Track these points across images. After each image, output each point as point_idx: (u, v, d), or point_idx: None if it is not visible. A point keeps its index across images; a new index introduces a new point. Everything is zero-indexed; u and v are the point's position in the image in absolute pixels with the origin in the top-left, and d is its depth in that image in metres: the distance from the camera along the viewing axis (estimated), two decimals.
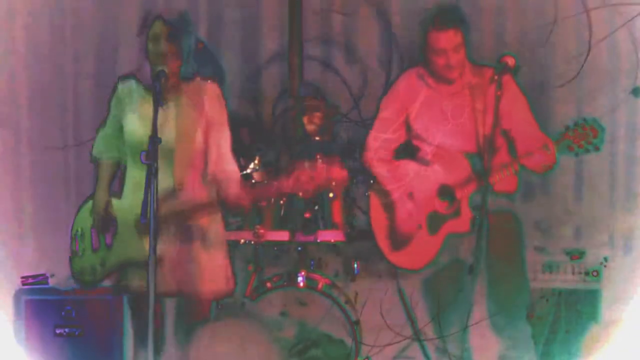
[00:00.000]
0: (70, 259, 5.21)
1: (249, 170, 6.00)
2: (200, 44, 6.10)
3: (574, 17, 6.25)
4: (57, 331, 5.98)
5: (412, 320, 5.98)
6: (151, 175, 4.56)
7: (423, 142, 5.59)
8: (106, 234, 5.08)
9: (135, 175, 5.01)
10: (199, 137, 5.00)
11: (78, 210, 5.22)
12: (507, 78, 5.35)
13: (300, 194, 4.95)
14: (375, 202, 5.75)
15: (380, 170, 5.71)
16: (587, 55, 6.17)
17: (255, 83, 6.78)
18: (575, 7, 6.26)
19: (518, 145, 5.44)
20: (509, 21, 6.48)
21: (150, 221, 4.53)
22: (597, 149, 5.24)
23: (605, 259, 6.01)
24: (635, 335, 5.75)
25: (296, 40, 6.62)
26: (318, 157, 5.77)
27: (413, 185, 5.59)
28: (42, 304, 6.01)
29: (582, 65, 6.17)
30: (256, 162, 6.04)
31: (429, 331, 5.73)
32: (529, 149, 5.30)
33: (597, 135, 5.22)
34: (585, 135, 5.22)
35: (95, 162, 5.22)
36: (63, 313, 5.99)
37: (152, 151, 4.58)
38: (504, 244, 5.43)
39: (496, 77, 5.29)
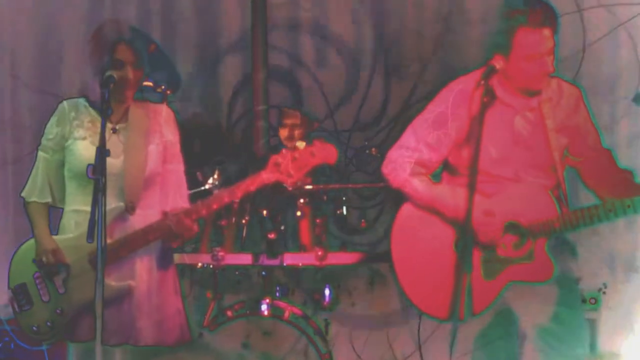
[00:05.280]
0: (17, 318, 4.75)
1: (207, 186, 5.78)
2: (153, 45, 5.85)
3: (572, 18, 6.13)
4: None
5: None
6: (99, 191, 4.28)
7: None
8: (55, 280, 4.66)
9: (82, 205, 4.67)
10: (155, 159, 4.70)
11: (10, 262, 4.77)
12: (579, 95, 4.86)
13: (284, 181, 4.47)
14: (406, 227, 4.89)
15: (412, 187, 4.85)
16: (582, 60, 6.07)
17: (213, 87, 6.59)
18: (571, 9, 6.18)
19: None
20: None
21: (99, 241, 4.22)
22: None
23: (605, 285, 5.94)
24: None
25: (260, 32, 6.35)
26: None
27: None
28: None
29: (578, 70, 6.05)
30: (215, 176, 5.82)
31: None
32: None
33: None
34: None
35: (25, 204, 4.81)
36: (1, 344, 5.95)
37: (100, 165, 4.31)
38: None
39: (482, 82, 4.80)
